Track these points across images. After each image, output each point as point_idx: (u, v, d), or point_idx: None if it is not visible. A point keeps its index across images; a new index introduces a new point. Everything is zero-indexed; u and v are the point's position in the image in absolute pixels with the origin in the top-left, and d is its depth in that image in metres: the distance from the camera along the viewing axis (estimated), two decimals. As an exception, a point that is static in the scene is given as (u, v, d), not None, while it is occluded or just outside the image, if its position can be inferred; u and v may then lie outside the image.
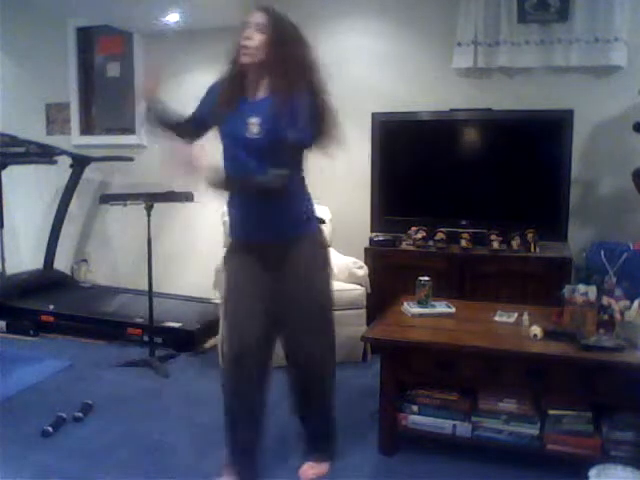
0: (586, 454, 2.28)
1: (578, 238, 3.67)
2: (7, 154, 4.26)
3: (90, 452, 2.55)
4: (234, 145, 2.16)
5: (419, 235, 3.67)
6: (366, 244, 3.76)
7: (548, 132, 3.57)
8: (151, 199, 3.52)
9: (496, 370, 2.36)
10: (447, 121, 3.80)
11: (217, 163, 2.13)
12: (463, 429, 2.45)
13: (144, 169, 4.62)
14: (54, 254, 4.74)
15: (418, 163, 3.88)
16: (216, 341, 3.58)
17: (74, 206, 4.80)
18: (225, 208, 2.36)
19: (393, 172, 3.86)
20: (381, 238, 3.74)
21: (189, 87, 4.17)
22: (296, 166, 2.20)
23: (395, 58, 4.07)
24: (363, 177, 3.89)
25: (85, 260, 5.06)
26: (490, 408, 2.43)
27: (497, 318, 2.69)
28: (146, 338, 3.73)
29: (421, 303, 2.82)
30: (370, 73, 4.10)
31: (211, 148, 2.18)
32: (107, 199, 3.92)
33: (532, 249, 3.46)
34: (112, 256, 5.00)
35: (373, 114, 3.82)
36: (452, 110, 3.78)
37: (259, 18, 2.10)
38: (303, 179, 2.27)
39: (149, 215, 3.49)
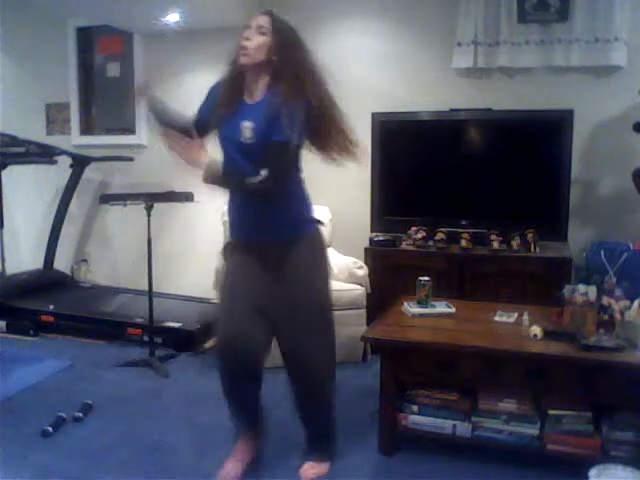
0: (586, 454, 2.28)
1: (578, 238, 3.68)
2: (7, 154, 4.26)
3: (90, 452, 2.55)
4: (230, 148, 2.18)
5: (419, 235, 3.67)
6: (366, 244, 3.76)
7: (548, 132, 3.57)
8: (151, 199, 3.52)
9: (496, 370, 2.37)
10: (447, 121, 3.80)
11: (214, 157, 2.14)
12: (463, 429, 2.45)
13: (144, 169, 4.62)
14: (54, 254, 4.74)
15: (418, 163, 3.88)
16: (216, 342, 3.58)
17: (74, 206, 4.80)
18: (225, 208, 2.36)
19: (393, 172, 3.86)
20: (381, 238, 3.74)
21: (189, 87, 4.19)
22: (293, 168, 2.21)
23: (395, 58, 4.07)
24: (363, 177, 3.89)
25: (85, 260, 5.06)
26: (490, 408, 2.43)
27: (497, 318, 2.69)
28: (146, 338, 3.73)
29: (421, 303, 2.82)
30: (370, 73, 4.10)
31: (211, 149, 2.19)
32: (107, 199, 3.92)
33: (532, 249, 3.46)
34: (112, 256, 5.00)
35: (373, 114, 3.82)
36: (452, 110, 3.78)
37: (260, 21, 2.11)
38: (301, 180, 2.27)
39: (149, 215, 3.49)
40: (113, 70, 4.93)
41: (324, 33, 4.12)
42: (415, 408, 2.51)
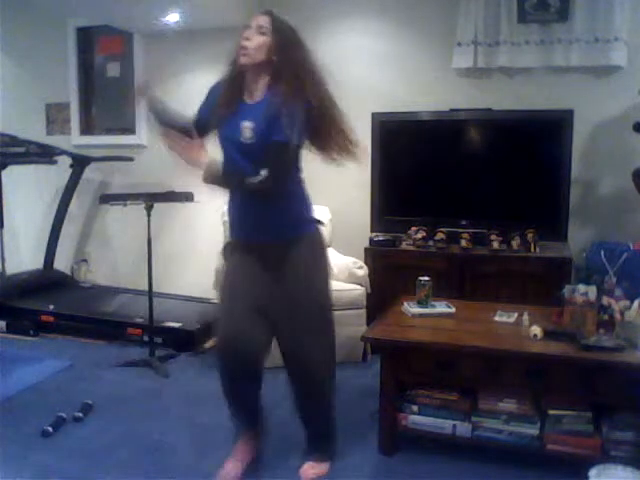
0: (586, 454, 2.28)
1: (578, 238, 3.68)
2: (7, 154, 4.26)
3: (90, 452, 2.55)
4: (230, 148, 2.18)
5: (419, 235, 3.67)
6: (366, 244, 3.76)
7: (548, 132, 3.57)
8: (151, 199, 3.52)
9: (496, 370, 2.37)
10: (447, 121, 3.80)
11: (214, 157, 2.14)
12: (463, 429, 2.45)
13: (144, 169, 4.62)
14: (54, 254, 4.74)
15: (418, 163, 3.88)
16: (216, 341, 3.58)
17: (74, 206, 4.80)
18: (225, 208, 2.36)
19: (393, 172, 3.86)
20: (381, 238, 3.74)
21: (189, 87, 4.19)
22: (293, 168, 2.21)
23: (395, 58, 4.07)
24: (363, 177, 3.89)
25: (85, 260, 5.06)
26: (490, 408, 2.43)
27: (497, 318, 2.69)
28: (146, 338, 3.73)
29: (421, 303, 2.82)
30: (370, 73, 4.10)
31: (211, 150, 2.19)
32: (107, 199, 3.92)
33: (532, 249, 3.46)
34: (112, 256, 5.00)
35: (373, 114, 3.82)
36: (452, 110, 3.78)
37: (260, 21, 2.11)
38: (301, 180, 2.27)
39: (149, 215, 3.49)
40: (113, 70, 4.93)
41: (324, 33, 4.12)
42: (415, 408, 2.51)
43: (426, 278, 2.87)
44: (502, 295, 3.29)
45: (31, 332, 4.07)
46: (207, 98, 2.29)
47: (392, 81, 4.07)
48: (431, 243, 3.64)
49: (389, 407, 2.51)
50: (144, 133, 4.74)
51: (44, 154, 4.45)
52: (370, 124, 3.81)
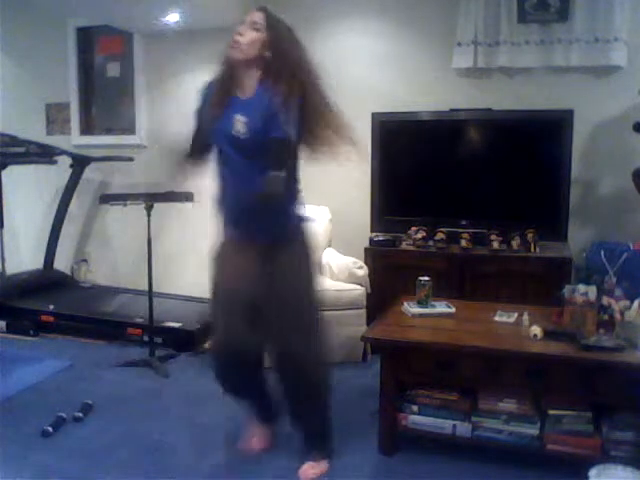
0: (586, 454, 2.28)
1: (578, 238, 3.67)
2: (7, 154, 4.26)
3: (90, 452, 2.55)
4: (223, 143, 2.18)
5: (419, 235, 3.67)
6: (366, 244, 3.76)
7: (548, 132, 3.57)
8: (151, 199, 3.52)
9: (496, 370, 2.36)
10: (447, 121, 3.80)
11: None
12: (463, 429, 2.45)
13: (144, 169, 4.62)
14: (54, 254, 4.74)
15: (418, 163, 3.88)
16: (214, 341, 3.58)
17: (74, 206, 4.80)
18: (216, 207, 2.34)
19: (393, 172, 3.86)
20: (381, 238, 3.74)
21: (189, 87, 4.15)
22: (287, 165, 2.19)
23: (395, 58, 4.07)
24: (363, 177, 3.89)
25: (85, 260, 5.06)
26: (490, 408, 2.43)
27: (497, 318, 2.69)
28: (146, 338, 3.73)
29: (421, 303, 2.82)
30: (370, 73, 4.10)
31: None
32: (107, 199, 3.92)
33: (532, 249, 3.46)
34: (112, 256, 5.00)
35: (373, 114, 3.82)
36: (452, 110, 3.78)
37: (254, 17, 2.13)
38: (295, 179, 2.27)
39: (149, 215, 3.49)
40: (113, 70, 4.93)
41: (323, 33, 4.12)
42: (415, 408, 2.51)
43: (426, 278, 2.87)
44: (502, 295, 3.29)
45: (31, 332, 4.07)
46: (200, 99, 2.30)
47: (392, 81, 4.07)
48: (431, 243, 3.64)
49: (389, 407, 2.51)
50: (144, 133, 4.74)
51: (44, 154, 4.45)
52: (370, 124, 3.81)
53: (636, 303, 2.41)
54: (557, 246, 3.55)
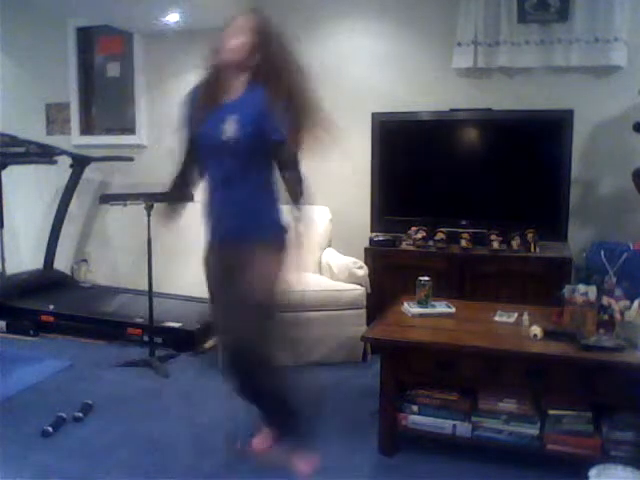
0: (586, 454, 2.28)
1: (578, 238, 3.68)
2: (7, 154, 4.26)
3: (90, 452, 2.55)
4: (210, 147, 2.19)
5: (419, 235, 3.67)
6: (366, 244, 3.76)
7: (548, 132, 3.57)
8: (151, 199, 3.52)
9: (496, 370, 2.36)
10: (447, 121, 3.80)
11: None
12: (463, 429, 2.45)
13: (144, 169, 4.62)
14: (54, 254, 4.74)
15: (418, 163, 3.87)
16: (216, 341, 3.58)
17: (74, 206, 4.80)
18: (204, 210, 2.35)
19: (393, 172, 3.86)
20: (381, 238, 3.74)
21: (189, 87, 4.17)
22: (264, 167, 2.21)
23: (395, 58, 4.07)
24: (363, 177, 3.89)
25: (85, 260, 5.06)
26: (490, 408, 2.43)
27: (497, 318, 2.69)
28: (146, 338, 3.73)
29: (421, 303, 2.82)
30: (370, 73, 4.10)
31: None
32: (107, 199, 3.92)
33: (532, 249, 3.46)
34: (112, 256, 5.00)
35: (373, 114, 3.82)
36: (452, 110, 3.78)
37: (244, 20, 2.15)
38: (271, 181, 2.25)
39: (149, 215, 3.49)
40: (113, 70, 4.93)
41: (324, 34, 4.12)
42: (415, 408, 2.51)
43: (426, 278, 2.87)
44: (502, 295, 3.29)
45: (31, 332, 4.07)
46: (185, 107, 2.30)
47: (392, 81, 4.07)
48: (431, 243, 3.64)
49: (389, 407, 2.51)
50: (144, 133, 4.74)
51: (44, 154, 4.45)
52: (370, 124, 3.81)
53: (636, 303, 2.41)
54: (557, 246, 3.55)
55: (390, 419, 2.51)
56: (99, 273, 5.02)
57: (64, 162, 4.59)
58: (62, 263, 4.87)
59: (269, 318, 2.32)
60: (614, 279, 2.67)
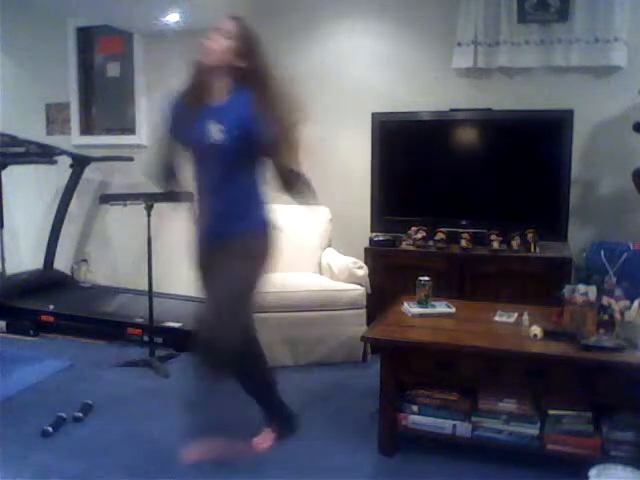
0: (586, 454, 2.28)
1: (578, 238, 3.68)
2: (7, 154, 4.26)
3: (90, 452, 2.55)
4: (199, 151, 2.24)
5: (419, 235, 3.67)
6: (366, 244, 3.76)
7: (548, 132, 3.57)
8: (151, 199, 3.52)
9: (496, 370, 2.36)
10: (447, 121, 3.80)
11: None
12: (463, 429, 2.45)
13: (144, 169, 4.61)
14: (54, 254, 4.74)
15: (418, 163, 3.87)
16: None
17: (74, 206, 4.80)
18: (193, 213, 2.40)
19: (393, 172, 3.86)
20: (381, 238, 3.74)
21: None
22: (250, 170, 2.24)
23: (395, 58, 4.07)
24: (363, 177, 3.89)
25: (85, 260, 5.06)
26: (490, 408, 2.43)
27: (497, 318, 2.69)
28: (146, 338, 3.72)
29: (421, 303, 2.82)
30: (370, 73, 4.10)
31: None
32: (107, 199, 3.92)
33: (532, 249, 3.46)
34: (112, 256, 5.00)
35: (373, 114, 3.82)
36: (452, 110, 3.78)
37: (227, 25, 2.20)
38: (256, 182, 2.29)
39: (149, 215, 3.49)
40: (113, 70, 4.93)
41: (324, 33, 4.12)
42: (415, 408, 2.51)
43: (426, 278, 2.87)
44: (502, 295, 3.29)
45: (31, 332, 4.07)
46: (170, 112, 2.34)
47: (392, 81, 4.07)
48: (431, 243, 3.64)
49: (389, 407, 2.51)
50: (144, 133, 4.74)
51: (44, 154, 4.45)
52: (370, 124, 3.81)
53: (636, 303, 2.41)
54: (557, 246, 3.55)
55: (390, 419, 2.51)
56: (99, 273, 5.02)
57: (64, 162, 4.59)
58: (62, 263, 4.87)
59: (245, 318, 2.37)
60: (614, 279, 2.67)
